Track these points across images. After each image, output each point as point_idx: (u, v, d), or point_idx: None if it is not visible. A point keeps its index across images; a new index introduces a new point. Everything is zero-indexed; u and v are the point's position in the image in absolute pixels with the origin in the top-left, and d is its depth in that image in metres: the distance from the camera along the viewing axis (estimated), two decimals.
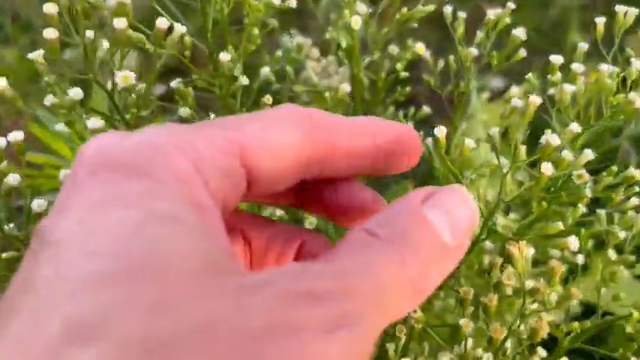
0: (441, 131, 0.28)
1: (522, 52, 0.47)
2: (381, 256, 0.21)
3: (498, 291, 0.31)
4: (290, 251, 0.28)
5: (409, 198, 0.23)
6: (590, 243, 0.48)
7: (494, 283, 0.31)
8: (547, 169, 0.29)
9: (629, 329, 0.31)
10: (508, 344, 0.31)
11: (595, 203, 0.45)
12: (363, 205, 0.28)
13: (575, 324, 0.33)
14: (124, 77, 0.28)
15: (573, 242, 0.30)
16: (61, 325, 0.16)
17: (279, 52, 0.47)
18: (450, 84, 0.50)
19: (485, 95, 0.54)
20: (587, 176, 0.34)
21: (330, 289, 0.19)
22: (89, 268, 0.17)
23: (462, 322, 0.31)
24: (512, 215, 0.45)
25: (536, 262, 0.44)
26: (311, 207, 0.30)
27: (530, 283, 0.31)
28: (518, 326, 0.30)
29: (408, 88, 0.48)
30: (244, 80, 0.34)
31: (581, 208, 0.43)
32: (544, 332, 0.29)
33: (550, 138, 0.33)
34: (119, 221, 0.18)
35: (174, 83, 0.33)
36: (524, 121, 0.30)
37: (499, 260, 0.32)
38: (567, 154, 0.31)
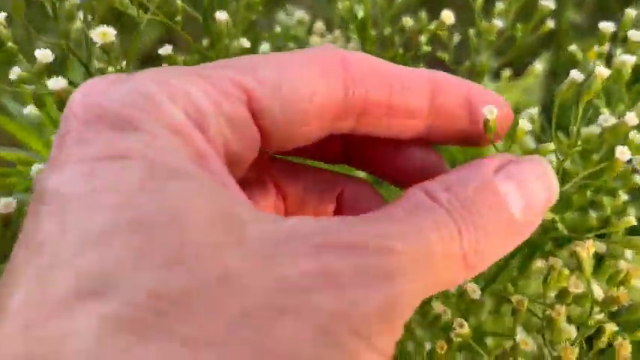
0: (490, 112, 0.23)
1: (550, 23, 0.43)
2: (436, 224, 0.20)
3: (563, 301, 0.26)
4: (331, 202, 0.27)
5: (481, 164, 0.22)
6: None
7: (558, 292, 0.26)
8: (622, 153, 0.24)
9: None
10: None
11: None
12: (422, 171, 0.26)
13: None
14: (102, 33, 0.24)
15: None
16: (70, 280, 0.15)
17: (277, 29, 0.41)
18: (468, 60, 0.45)
19: (507, 73, 0.49)
20: None
21: (371, 244, 0.18)
22: (97, 221, 0.16)
23: (518, 339, 0.26)
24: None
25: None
26: (361, 165, 0.28)
27: (598, 290, 0.26)
28: (584, 338, 0.26)
29: (421, 66, 0.43)
30: (245, 43, 0.29)
31: (623, 196, 0.39)
32: (627, 353, 0.24)
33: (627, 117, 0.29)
34: (122, 176, 0.17)
35: (163, 50, 0.28)
36: (588, 97, 0.25)
37: (558, 263, 0.27)
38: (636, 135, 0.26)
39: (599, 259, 0.45)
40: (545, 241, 0.41)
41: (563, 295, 0.27)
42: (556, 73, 0.77)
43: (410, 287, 0.18)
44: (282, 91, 0.21)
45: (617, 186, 0.36)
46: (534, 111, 0.37)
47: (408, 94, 0.23)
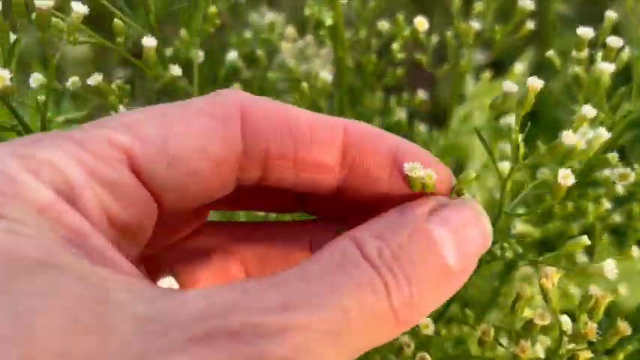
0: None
1: (530, 25, 0.41)
2: (358, 284, 0.18)
3: (529, 333, 0.24)
4: (302, 251, 0.25)
5: (414, 207, 0.20)
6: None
7: (523, 324, 0.24)
8: (566, 177, 0.23)
9: None
10: None
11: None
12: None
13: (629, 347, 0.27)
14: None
15: (610, 269, 0.23)
16: None
17: (248, 34, 0.40)
18: (447, 63, 0.44)
19: (487, 74, 0.48)
20: (632, 176, 0.28)
21: (265, 326, 0.16)
22: None
23: None
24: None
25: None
26: (314, 209, 0.25)
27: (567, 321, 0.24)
28: None
29: (399, 71, 0.42)
30: (176, 70, 0.27)
31: (606, 204, 0.38)
32: None
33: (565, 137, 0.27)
34: None
35: (92, 80, 0.27)
36: (523, 112, 0.24)
37: (526, 291, 0.25)
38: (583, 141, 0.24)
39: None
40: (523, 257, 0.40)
41: (529, 326, 0.24)
42: (543, 68, 0.76)
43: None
44: (168, 148, 0.20)
45: (600, 194, 0.35)
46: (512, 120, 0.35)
47: (317, 148, 0.21)
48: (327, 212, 0.25)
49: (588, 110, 0.23)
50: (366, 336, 0.18)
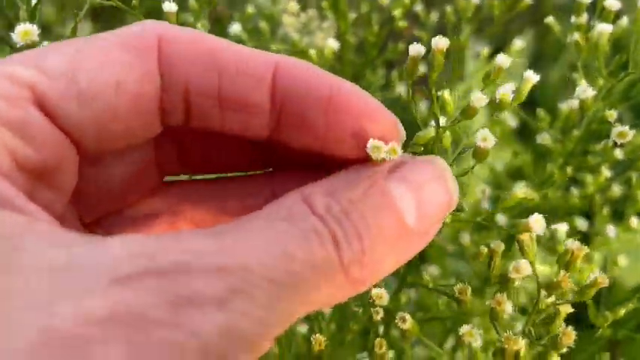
0: (417, 52, 0.22)
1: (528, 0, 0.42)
2: (304, 235, 0.17)
3: (506, 289, 0.24)
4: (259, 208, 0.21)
5: (373, 164, 0.19)
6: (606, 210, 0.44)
7: (499, 278, 0.24)
8: (484, 139, 0.22)
9: None
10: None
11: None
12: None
13: (622, 310, 0.28)
14: (24, 32, 0.22)
15: (538, 224, 0.23)
16: None
17: (250, 9, 0.40)
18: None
19: (485, 52, 0.48)
20: (630, 134, 0.28)
21: (194, 266, 0.15)
22: None
23: (463, 330, 0.24)
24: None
25: None
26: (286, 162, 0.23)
27: (544, 272, 0.25)
28: (533, 325, 0.24)
29: (401, 45, 0.42)
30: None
31: (605, 173, 0.38)
32: (571, 340, 0.23)
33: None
34: None
35: None
36: (516, 102, 0.24)
37: (500, 247, 0.25)
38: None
39: (584, 238, 0.45)
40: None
41: (504, 281, 0.24)
42: (541, 58, 0.76)
43: (257, 312, 0.15)
44: (79, 84, 0.18)
45: (599, 162, 0.35)
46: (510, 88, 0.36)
47: (243, 83, 0.19)
48: (288, 165, 0.23)
49: (502, 60, 0.23)
50: (313, 290, 0.17)
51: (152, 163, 0.23)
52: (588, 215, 0.45)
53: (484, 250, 0.26)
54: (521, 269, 0.23)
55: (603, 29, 0.28)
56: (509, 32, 0.67)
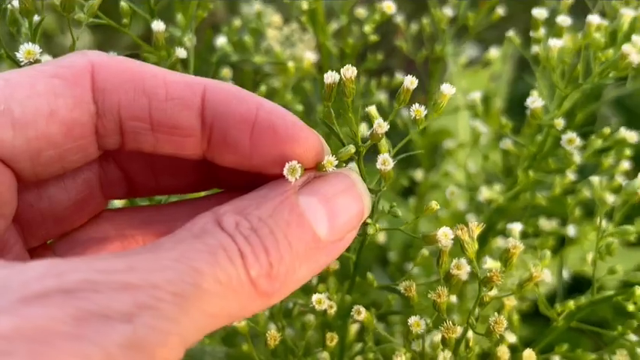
0: (411, 82, 0.23)
1: (500, 11, 0.44)
2: (210, 250, 0.17)
3: (449, 284, 0.26)
4: None
5: (284, 181, 0.20)
6: (578, 211, 0.46)
7: (443, 275, 0.26)
8: (384, 162, 0.23)
9: (630, 307, 0.28)
10: (470, 334, 0.26)
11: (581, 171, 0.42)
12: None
13: (570, 303, 0.30)
14: (28, 52, 0.24)
15: (444, 238, 0.24)
16: None
17: (236, 22, 0.43)
18: (424, 49, 0.47)
19: (463, 60, 0.50)
20: (577, 140, 0.30)
21: (101, 285, 0.15)
22: None
23: (410, 320, 0.26)
24: (497, 187, 0.42)
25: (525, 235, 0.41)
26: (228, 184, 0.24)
27: (489, 266, 0.27)
28: (477, 317, 0.26)
29: (380, 56, 0.45)
30: (182, 53, 0.30)
31: (570, 175, 0.40)
32: (502, 328, 0.25)
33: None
34: None
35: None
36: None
37: (447, 246, 0.26)
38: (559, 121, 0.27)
39: (562, 241, 0.47)
40: (498, 221, 0.43)
41: (447, 278, 0.26)
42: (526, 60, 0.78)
43: (163, 324, 0.16)
44: (12, 113, 0.19)
45: (559, 165, 0.37)
46: (477, 95, 0.38)
47: (172, 107, 0.20)
48: (233, 186, 0.24)
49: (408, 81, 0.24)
50: (222, 303, 0.17)
51: (97, 188, 0.24)
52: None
53: (425, 253, 0.28)
54: (462, 266, 0.25)
55: (554, 45, 0.31)
56: (500, 35, 0.69)
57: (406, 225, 0.26)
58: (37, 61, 0.24)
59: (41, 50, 0.24)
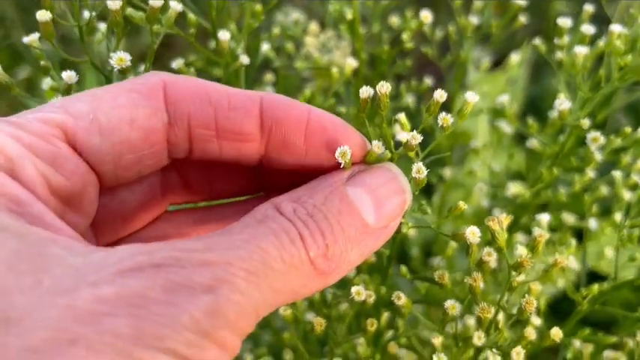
0: (440, 96, 0.25)
1: (522, 19, 0.47)
2: (274, 232, 0.19)
3: (482, 269, 0.28)
4: None
5: (334, 173, 0.22)
6: (595, 208, 0.48)
7: (476, 262, 0.28)
8: (419, 171, 0.24)
9: None
10: (500, 317, 0.29)
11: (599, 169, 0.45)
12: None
13: (595, 287, 0.33)
14: (120, 59, 0.27)
15: (472, 236, 0.26)
16: None
17: (276, 30, 0.46)
18: (449, 54, 0.50)
19: (486, 64, 0.53)
20: (602, 138, 0.33)
21: (184, 260, 0.18)
22: None
23: (447, 304, 0.29)
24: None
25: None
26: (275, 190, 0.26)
27: (520, 253, 0.29)
28: (507, 300, 0.29)
29: (408, 61, 0.47)
30: (245, 59, 0.33)
31: (589, 173, 0.43)
32: (532, 307, 0.27)
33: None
34: None
35: (177, 64, 0.32)
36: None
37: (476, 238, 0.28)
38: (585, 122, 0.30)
39: (580, 238, 0.49)
40: (521, 216, 0.46)
41: (480, 264, 0.28)
42: (543, 65, 0.81)
43: (238, 297, 0.18)
44: (99, 122, 0.21)
45: (581, 165, 0.40)
46: (505, 98, 0.41)
47: (235, 115, 0.23)
48: (280, 187, 0.26)
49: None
50: (286, 280, 0.19)
51: (159, 192, 0.26)
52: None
53: (453, 245, 0.30)
54: (492, 254, 0.28)
55: (579, 51, 0.33)
56: (515, 41, 0.72)
57: (435, 223, 0.28)
58: (127, 68, 0.27)
59: (131, 58, 0.27)
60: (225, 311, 0.18)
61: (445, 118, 0.25)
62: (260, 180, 0.27)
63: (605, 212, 0.52)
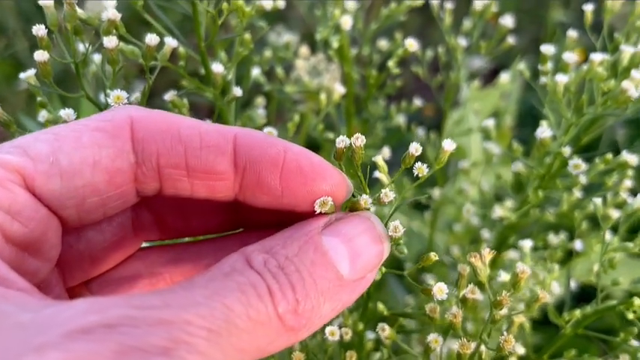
0: (416, 149, 0.25)
1: (510, 40, 0.48)
2: (240, 287, 0.18)
3: (465, 305, 0.29)
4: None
5: (310, 221, 0.21)
6: (585, 224, 0.49)
7: (460, 298, 0.29)
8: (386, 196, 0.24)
9: (630, 316, 0.31)
10: (482, 348, 0.29)
11: (587, 187, 0.45)
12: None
13: (577, 312, 0.34)
14: (117, 97, 0.27)
15: (439, 293, 0.26)
16: None
17: (267, 53, 0.46)
18: (439, 74, 0.50)
19: (476, 84, 0.54)
20: (583, 166, 0.34)
21: (140, 320, 0.17)
22: None
23: (429, 338, 0.29)
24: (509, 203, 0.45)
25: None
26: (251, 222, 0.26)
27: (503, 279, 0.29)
28: (489, 334, 0.29)
29: (398, 82, 0.48)
30: (238, 92, 0.34)
31: (576, 194, 0.44)
32: (511, 345, 0.27)
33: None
34: None
35: (169, 96, 0.33)
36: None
37: (466, 270, 0.29)
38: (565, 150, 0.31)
39: (569, 254, 0.50)
40: (510, 235, 0.47)
41: (463, 300, 0.29)
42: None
43: (196, 359, 0.17)
44: (60, 164, 0.20)
45: (566, 185, 0.41)
46: (491, 122, 0.42)
47: (207, 154, 0.22)
48: (257, 225, 0.25)
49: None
50: (252, 338, 0.18)
51: (130, 230, 0.25)
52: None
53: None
54: (475, 291, 0.28)
55: (560, 80, 0.34)
56: (512, 51, 0.72)
57: (409, 271, 0.28)
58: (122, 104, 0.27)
59: (128, 95, 0.27)
60: None
61: (420, 169, 0.25)
62: (237, 215, 0.26)
63: (596, 226, 0.52)
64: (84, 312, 0.17)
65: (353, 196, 0.24)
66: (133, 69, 0.74)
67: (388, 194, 0.24)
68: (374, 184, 0.27)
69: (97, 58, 0.35)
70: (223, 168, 0.22)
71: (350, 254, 0.21)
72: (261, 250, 0.20)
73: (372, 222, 0.22)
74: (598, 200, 0.36)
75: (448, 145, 0.26)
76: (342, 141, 0.24)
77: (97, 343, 0.16)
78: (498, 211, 0.41)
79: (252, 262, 0.19)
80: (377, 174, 0.28)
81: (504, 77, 0.52)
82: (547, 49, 0.37)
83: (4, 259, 0.19)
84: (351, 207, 0.24)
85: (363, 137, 0.25)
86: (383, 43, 0.44)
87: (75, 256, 0.24)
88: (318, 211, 0.22)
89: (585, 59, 0.37)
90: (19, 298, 0.18)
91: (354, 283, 0.21)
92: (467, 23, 0.48)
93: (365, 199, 0.23)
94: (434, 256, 0.26)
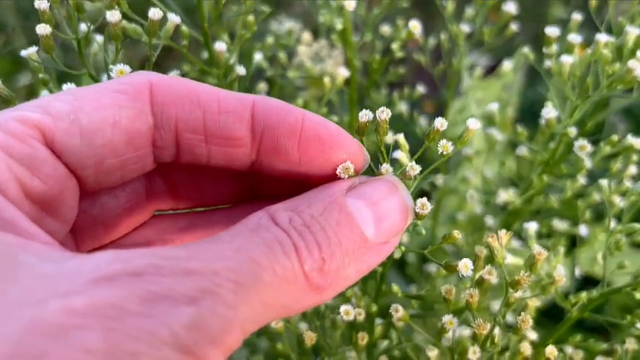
0: (441, 124, 0.24)
1: (513, 27, 0.47)
2: (266, 243, 0.18)
3: (481, 287, 0.28)
4: None
5: (333, 184, 0.21)
6: (588, 214, 0.49)
7: (476, 279, 0.28)
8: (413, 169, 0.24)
9: (638, 296, 0.31)
10: (496, 331, 0.29)
11: (590, 176, 0.45)
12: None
13: (583, 295, 0.33)
14: (120, 71, 0.27)
15: (464, 269, 0.25)
16: None
17: (269, 39, 0.46)
18: (441, 62, 0.50)
19: (478, 72, 0.54)
20: (588, 147, 0.34)
21: (166, 269, 0.16)
22: None
23: (444, 319, 0.29)
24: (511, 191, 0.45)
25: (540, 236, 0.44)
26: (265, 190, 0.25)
27: (510, 261, 0.29)
28: (504, 316, 0.29)
29: (401, 70, 0.48)
30: (241, 70, 0.33)
31: (580, 180, 0.43)
32: (528, 325, 0.27)
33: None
34: None
35: (172, 75, 0.32)
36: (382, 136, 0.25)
37: (483, 252, 0.29)
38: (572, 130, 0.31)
39: (573, 242, 0.50)
40: (514, 222, 0.46)
41: (480, 282, 0.28)
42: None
43: (224, 310, 0.16)
44: (80, 123, 0.20)
45: (570, 171, 0.41)
46: (495, 106, 0.41)
47: (225, 120, 0.22)
48: (273, 194, 0.25)
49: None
50: (278, 294, 0.18)
51: (144, 198, 0.25)
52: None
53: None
54: (492, 272, 0.28)
55: (566, 61, 0.34)
56: (512, 45, 0.72)
57: (430, 249, 0.27)
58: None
59: (131, 70, 0.27)
60: (209, 326, 0.16)
61: (445, 146, 0.24)
62: (251, 186, 0.26)
63: (599, 217, 0.52)
64: (109, 261, 0.16)
65: (370, 169, 0.23)
66: (135, 61, 0.74)
67: (414, 167, 0.24)
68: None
69: (99, 38, 0.34)
70: (241, 134, 0.22)
71: (374, 217, 0.21)
72: (285, 209, 0.20)
73: (396, 187, 0.22)
74: (604, 182, 0.35)
75: (473, 123, 0.25)
76: (365, 115, 0.24)
77: (123, 289, 0.16)
78: (503, 195, 0.41)
79: (277, 220, 0.19)
80: (395, 154, 0.27)
81: (507, 65, 0.51)
82: (552, 31, 0.37)
83: (25, 213, 0.19)
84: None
85: (389, 110, 0.24)
86: (385, 29, 0.44)
87: (88, 221, 0.24)
88: (341, 176, 0.22)
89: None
90: (43, 249, 0.17)
91: (378, 246, 0.21)
92: (469, 11, 0.48)
93: (387, 168, 0.23)
94: (457, 234, 0.25)
